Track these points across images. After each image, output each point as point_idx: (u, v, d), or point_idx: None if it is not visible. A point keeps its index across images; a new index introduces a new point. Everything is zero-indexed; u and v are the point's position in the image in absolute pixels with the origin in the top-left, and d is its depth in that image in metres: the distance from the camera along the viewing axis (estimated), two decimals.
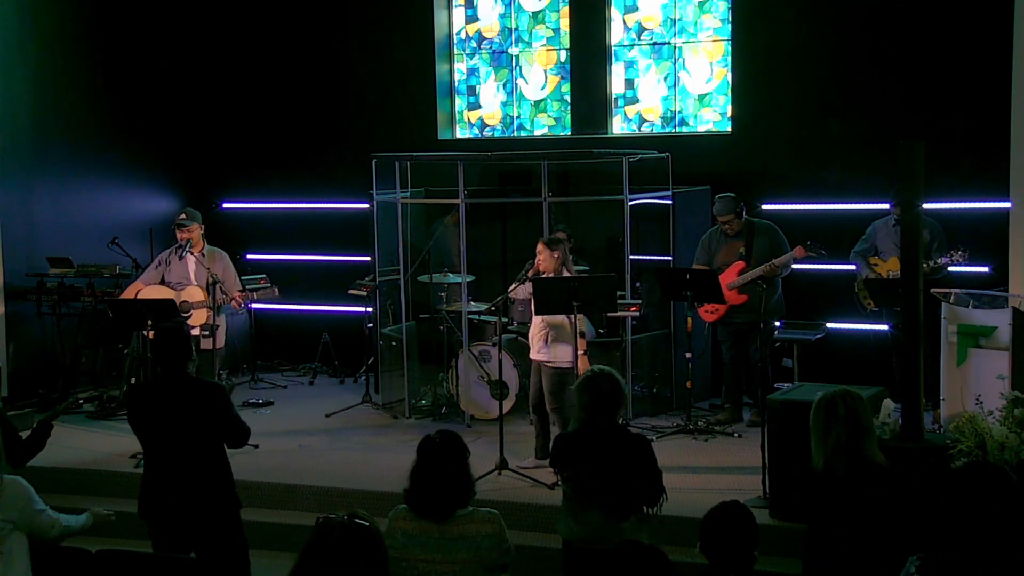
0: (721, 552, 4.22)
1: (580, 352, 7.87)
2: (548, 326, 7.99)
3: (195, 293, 8.95)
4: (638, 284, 9.74)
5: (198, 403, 5.74)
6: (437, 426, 9.22)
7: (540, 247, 8.15)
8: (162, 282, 9.03)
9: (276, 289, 9.56)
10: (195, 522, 5.68)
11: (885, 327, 9.01)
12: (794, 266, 9.15)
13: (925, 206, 8.59)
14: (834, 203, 9.96)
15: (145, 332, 8.56)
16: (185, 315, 8.83)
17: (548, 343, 8.01)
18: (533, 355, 8.14)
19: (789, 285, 9.33)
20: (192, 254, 8.99)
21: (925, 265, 8.39)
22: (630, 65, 11.06)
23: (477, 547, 4.46)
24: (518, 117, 11.54)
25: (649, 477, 5.37)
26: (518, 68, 11.48)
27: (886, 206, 9.03)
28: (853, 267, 9.16)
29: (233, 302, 9.23)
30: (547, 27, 11.35)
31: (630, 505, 5.31)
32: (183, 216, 9.12)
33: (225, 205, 12.16)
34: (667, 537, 5.53)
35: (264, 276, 9.87)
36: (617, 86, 11.09)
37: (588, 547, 5.26)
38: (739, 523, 4.22)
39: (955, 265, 8.60)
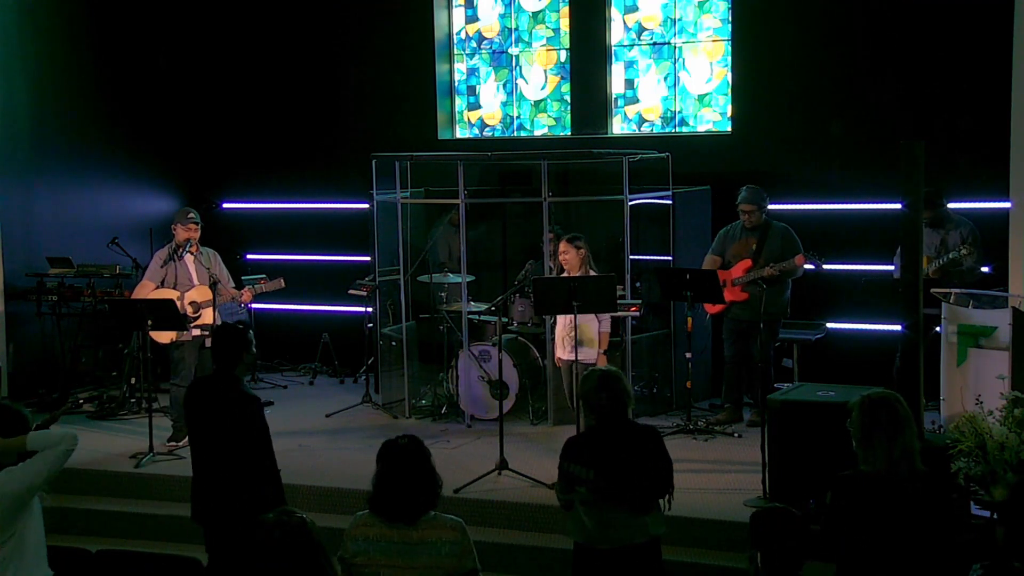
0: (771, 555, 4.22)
1: (600, 351, 7.90)
2: (574, 325, 7.91)
3: (204, 292, 8.93)
4: (638, 284, 9.74)
5: (235, 409, 5.77)
6: (437, 426, 9.26)
7: (564, 246, 8.14)
8: (162, 284, 8.97)
9: (282, 280, 9.53)
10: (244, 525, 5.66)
11: (887, 327, 9.01)
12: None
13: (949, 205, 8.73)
14: (834, 203, 9.95)
15: (146, 332, 8.56)
16: (195, 315, 8.81)
17: (575, 342, 7.96)
18: (562, 355, 8.10)
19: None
20: (191, 253, 8.97)
21: (943, 259, 8.44)
22: (630, 65, 11.06)
23: (437, 553, 4.44)
24: (518, 117, 11.54)
25: (661, 468, 5.37)
26: (518, 68, 11.48)
27: (886, 206, 9.03)
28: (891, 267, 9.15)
29: (243, 297, 9.22)
30: (547, 27, 11.34)
31: (649, 498, 5.32)
32: (192, 214, 9.07)
33: (225, 205, 12.16)
34: (666, 537, 5.53)
35: (264, 276, 9.87)
36: (617, 86, 11.09)
37: (613, 546, 5.26)
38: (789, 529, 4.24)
39: (979, 267, 8.60)
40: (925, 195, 8.68)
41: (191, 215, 9.04)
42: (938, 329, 7.78)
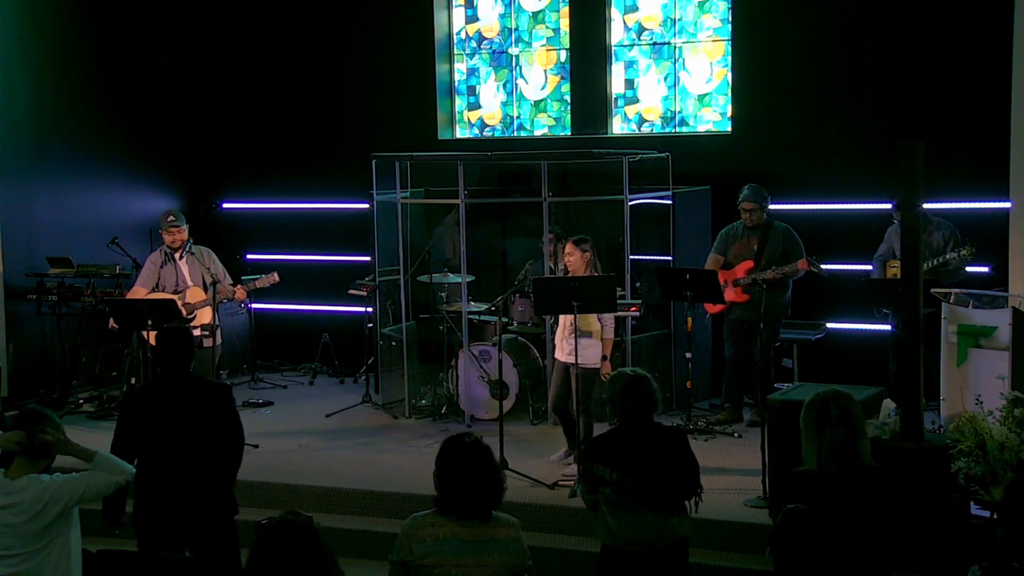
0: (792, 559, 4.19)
1: (603, 357, 7.86)
2: (575, 327, 7.83)
3: (197, 294, 8.92)
4: (638, 284, 9.74)
5: (206, 403, 5.74)
6: (437, 426, 9.25)
7: (569, 247, 8.11)
8: (156, 287, 8.96)
9: (276, 273, 9.52)
10: (192, 525, 5.66)
11: (887, 327, 9.01)
12: None
13: (931, 206, 8.68)
14: (834, 203, 9.96)
15: (145, 332, 8.54)
16: (190, 316, 8.81)
17: (576, 344, 7.87)
18: (559, 356, 8.07)
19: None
20: (191, 254, 8.96)
21: (933, 261, 8.44)
22: (630, 65, 11.06)
23: (506, 550, 4.43)
24: (518, 117, 11.54)
25: (688, 469, 5.36)
26: (518, 68, 11.48)
27: (887, 206, 9.04)
28: (870, 267, 9.16)
29: (236, 295, 9.19)
30: (547, 27, 11.34)
31: (676, 500, 5.32)
32: (172, 217, 9.06)
33: (225, 205, 12.16)
34: None
35: (262, 276, 9.87)
36: (617, 86, 11.09)
37: (639, 548, 5.25)
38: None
39: (969, 265, 8.61)
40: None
41: (170, 219, 9.04)
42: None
